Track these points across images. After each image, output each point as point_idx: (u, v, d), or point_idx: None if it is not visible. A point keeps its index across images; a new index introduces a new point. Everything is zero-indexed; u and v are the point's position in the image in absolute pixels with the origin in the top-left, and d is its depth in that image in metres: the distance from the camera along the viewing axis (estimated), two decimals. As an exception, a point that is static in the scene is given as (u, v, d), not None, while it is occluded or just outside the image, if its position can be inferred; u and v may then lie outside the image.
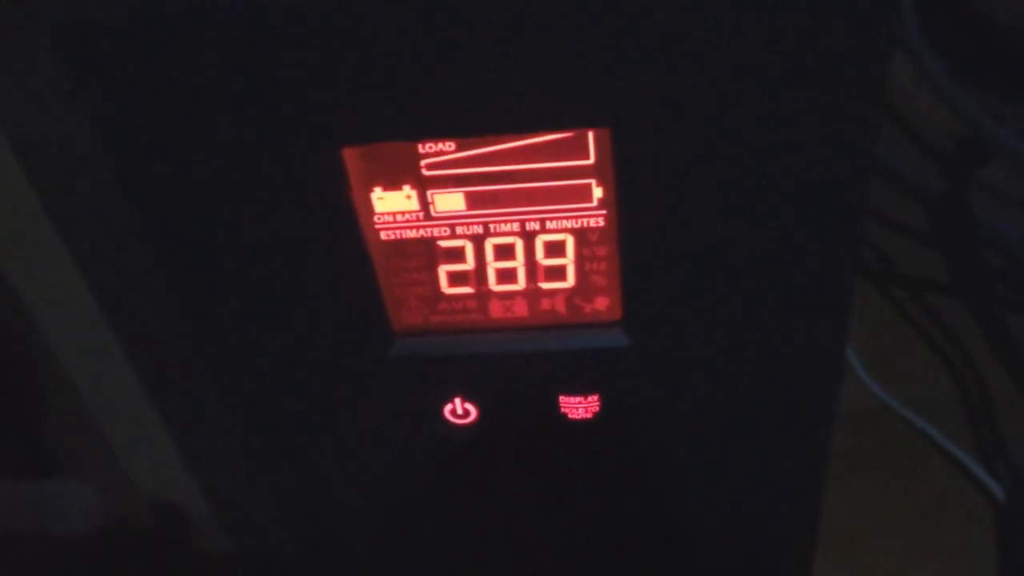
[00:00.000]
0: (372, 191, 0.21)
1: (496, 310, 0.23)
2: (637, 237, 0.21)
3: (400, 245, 0.22)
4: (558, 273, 0.22)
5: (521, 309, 0.23)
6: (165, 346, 0.31)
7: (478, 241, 0.22)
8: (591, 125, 0.20)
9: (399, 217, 0.22)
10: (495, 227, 0.22)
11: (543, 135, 0.20)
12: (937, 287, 0.42)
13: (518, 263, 0.22)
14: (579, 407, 0.24)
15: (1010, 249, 0.42)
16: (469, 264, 0.22)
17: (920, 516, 0.34)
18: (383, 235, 0.22)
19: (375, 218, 0.21)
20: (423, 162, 0.21)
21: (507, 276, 0.22)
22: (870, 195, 0.45)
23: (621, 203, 0.20)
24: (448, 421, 0.24)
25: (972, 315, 0.41)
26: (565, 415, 0.24)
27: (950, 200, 0.45)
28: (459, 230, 0.22)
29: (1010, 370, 0.38)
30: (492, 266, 0.22)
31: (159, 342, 0.31)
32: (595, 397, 0.24)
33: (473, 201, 0.21)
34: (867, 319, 0.41)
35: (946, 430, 0.36)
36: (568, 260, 0.22)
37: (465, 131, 0.20)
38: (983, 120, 0.42)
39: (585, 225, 0.21)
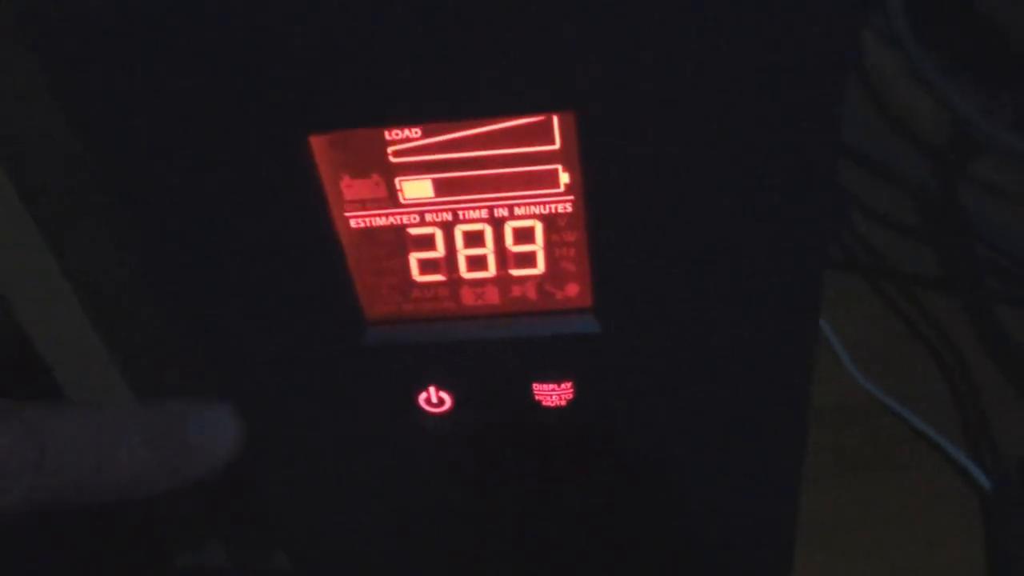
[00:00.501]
0: (341, 179, 0.21)
1: (468, 297, 0.23)
2: (605, 223, 0.21)
3: (370, 233, 0.22)
4: (528, 259, 0.22)
5: (492, 296, 0.23)
6: (151, 346, 0.31)
7: (447, 228, 0.22)
8: (555, 109, 0.20)
9: (368, 205, 0.22)
10: (464, 214, 0.22)
11: (508, 120, 0.20)
12: (927, 281, 0.42)
13: (488, 250, 0.22)
14: (553, 394, 0.24)
15: (1000, 243, 0.42)
16: (439, 251, 0.22)
17: (908, 508, 0.34)
18: (353, 223, 0.22)
19: (344, 206, 0.22)
20: (390, 149, 0.21)
21: (477, 263, 0.22)
22: (861, 190, 0.45)
23: (588, 189, 0.20)
24: (423, 410, 0.25)
25: (962, 309, 0.41)
26: (539, 403, 0.24)
27: (940, 194, 0.45)
28: (428, 217, 0.22)
29: (998, 363, 0.38)
30: (462, 253, 0.22)
31: (143, 339, 0.31)
32: (568, 384, 0.24)
33: (441, 188, 0.21)
34: (856, 313, 0.41)
35: (934, 423, 0.36)
36: (537, 246, 0.22)
37: (430, 116, 0.20)
38: (973, 115, 0.42)
39: (553, 211, 0.21)
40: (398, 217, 0.22)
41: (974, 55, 0.47)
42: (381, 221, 0.22)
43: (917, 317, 0.41)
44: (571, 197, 0.21)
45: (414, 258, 0.22)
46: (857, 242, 0.44)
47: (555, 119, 0.20)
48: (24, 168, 0.27)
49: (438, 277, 0.23)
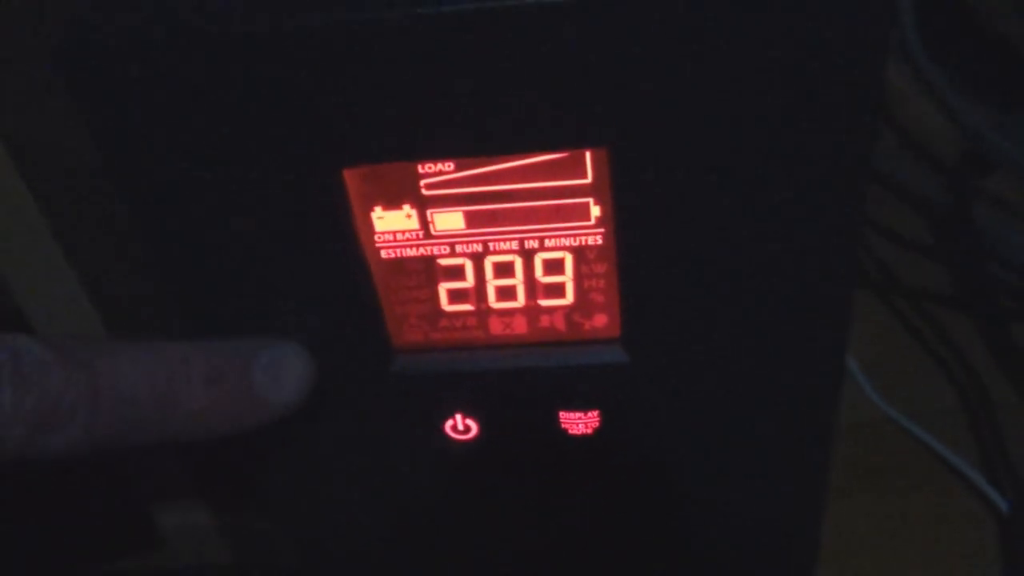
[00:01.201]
0: (373, 211, 0.21)
1: (496, 327, 0.23)
2: (635, 255, 0.21)
3: (400, 263, 0.22)
4: (557, 290, 0.22)
5: (520, 326, 0.23)
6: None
7: (478, 259, 0.22)
8: (588, 145, 0.20)
9: (399, 236, 0.22)
10: (494, 245, 0.22)
11: (541, 155, 0.20)
12: (940, 298, 0.42)
13: (517, 281, 0.22)
14: (579, 423, 0.24)
15: (1013, 260, 0.42)
16: (469, 282, 0.22)
17: (923, 529, 0.34)
18: (383, 254, 0.22)
19: (376, 237, 0.22)
20: (423, 182, 0.21)
21: (506, 293, 0.23)
22: (873, 206, 0.45)
23: (619, 221, 0.21)
24: (449, 437, 0.25)
25: (976, 327, 0.41)
26: (565, 431, 0.24)
27: (953, 211, 0.45)
28: (459, 248, 0.22)
29: (1014, 382, 0.38)
30: (492, 284, 0.22)
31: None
32: (595, 413, 0.24)
33: (472, 220, 0.21)
34: (870, 331, 0.41)
35: (949, 442, 0.36)
36: (567, 278, 0.22)
37: (464, 152, 0.20)
38: (985, 131, 0.42)
39: (583, 243, 0.22)
40: (429, 248, 0.22)
41: (985, 70, 0.47)
42: (412, 252, 0.22)
43: (929, 334, 0.41)
44: (602, 230, 0.21)
45: (443, 288, 0.23)
46: (868, 258, 0.44)
47: (588, 154, 0.20)
48: (43, 175, 0.27)
49: (467, 307, 0.23)
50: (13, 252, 0.28)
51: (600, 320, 0.23)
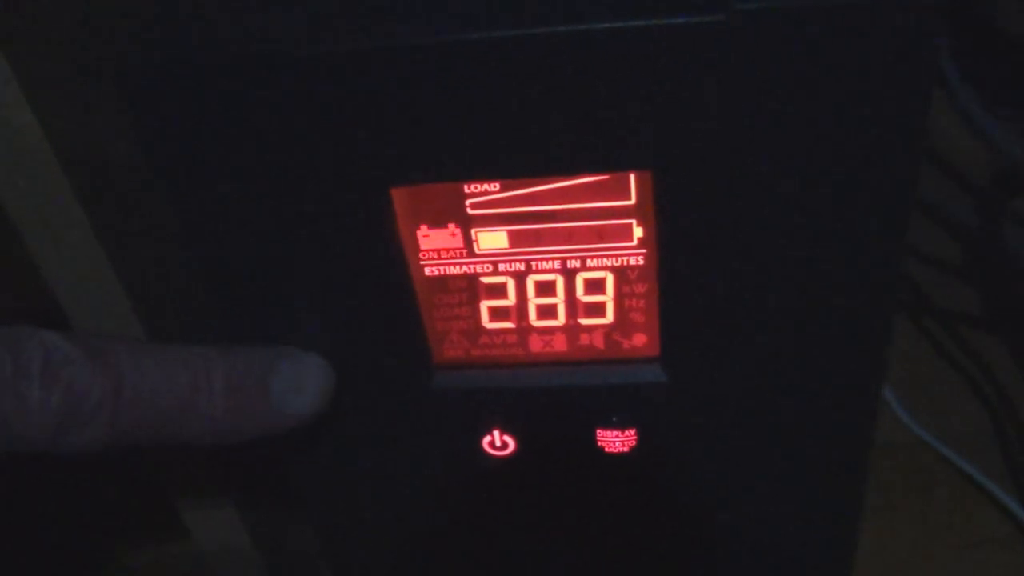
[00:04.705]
0: (418, 229, 0.22)
1: (536, 345, 0.23)
2: (676, 275, 0.21)
3: (444, 281, 0.22)
4: (598, 309, 0.23)
5: (560, 344, 0.23)
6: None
7: (520, 278, 0.22)
8: (632, 168, 0.20)
9: (443, 254, 0.22)
10: (537, 264, 0.22)
11: (586, 177, 0.20)
12: (972, 320, 0.42)
13: (558, 299, 0.23)
14: (616, 441, 0.24)
15: (1045, 282, 0.42)
16: (510, 300, 0.23)
17: (953, 551, 0.34)
18: (427, 271, 0.22)
19: (420, 255, 0.22)
20: (468, 201, 0.21)
21: (547, 312, 0.23)
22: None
23: (661, 243, 0.21)
24: (487, 453, 0.25)
25: (1007, 348, 0.41)
26: (602, 449, 0.24)
27: (984, 232, 0.45)
28: (501, 267, 0.22)
29: (1045, 405, 0.38)
30: (533, 302, 0.23)
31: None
32: (632, 432, 0.24)
33: (516, 239, 0.22)
34: (901, 352, 0.41)
35: (981, 464, 0.36)
36: (608, 297, 0.22)
37: (510, 173, 0.20)
38: (1017, 151, 0.42)
39: (625, 263, 0.22)
40: (472, 266, 0.22)
41: (1017, 91, 0.47)
42: (455, 270, 0.22)
43: (960, 355, 0.41)
44: (644, 250, 0.22)
45: (485, 306, 0.23)
46: (901, 280, 0.44)
47: (632, 176, 0.20)
48: (90, 178, 0.27)
49: (508, 324, 0.23)
50: (59, 253, 0.28)
51: (640, 340, 0.23)
